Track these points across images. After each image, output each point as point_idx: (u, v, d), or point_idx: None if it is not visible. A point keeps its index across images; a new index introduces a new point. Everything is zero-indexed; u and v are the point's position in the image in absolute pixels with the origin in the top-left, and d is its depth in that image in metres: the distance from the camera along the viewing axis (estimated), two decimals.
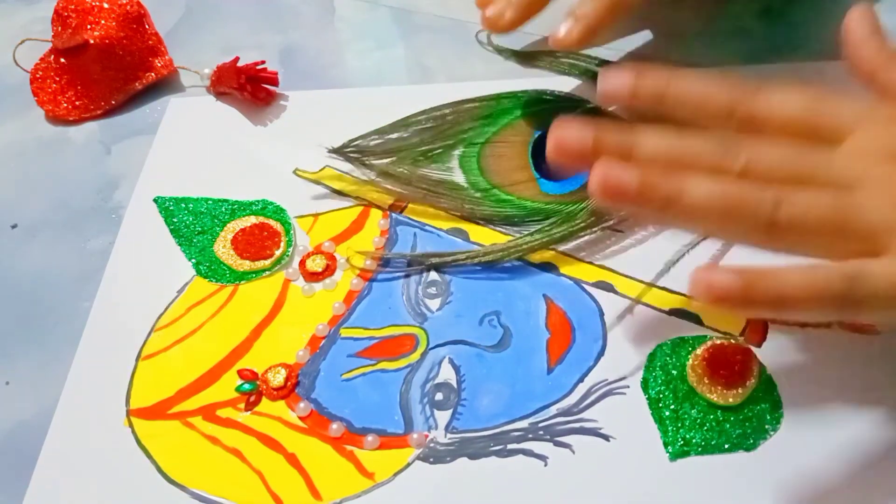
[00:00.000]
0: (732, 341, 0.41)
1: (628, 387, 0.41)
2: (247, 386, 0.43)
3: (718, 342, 0.41)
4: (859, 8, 0.42)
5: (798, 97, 0.39)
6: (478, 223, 0.48)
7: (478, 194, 0.50)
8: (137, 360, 0.44)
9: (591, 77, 0.53)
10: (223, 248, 0.48)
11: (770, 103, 0.39)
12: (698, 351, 0.41)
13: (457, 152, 0.52)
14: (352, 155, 0.52)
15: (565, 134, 0.38)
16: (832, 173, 0.36)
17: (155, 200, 0.51)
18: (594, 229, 0.47)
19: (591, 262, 0.46)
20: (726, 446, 0.39)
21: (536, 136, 0.51)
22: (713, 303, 0.34)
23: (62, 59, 0.59)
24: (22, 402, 0.44)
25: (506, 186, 0.50)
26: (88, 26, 0.58)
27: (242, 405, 0.42)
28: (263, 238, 0.48)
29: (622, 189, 0.36)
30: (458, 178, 0.51)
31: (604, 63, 0.54)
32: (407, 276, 0.46)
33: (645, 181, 0.36)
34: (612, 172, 0.36)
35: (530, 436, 0.40)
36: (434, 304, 0.45)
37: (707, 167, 0.37)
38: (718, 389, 0.40)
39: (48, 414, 0.43)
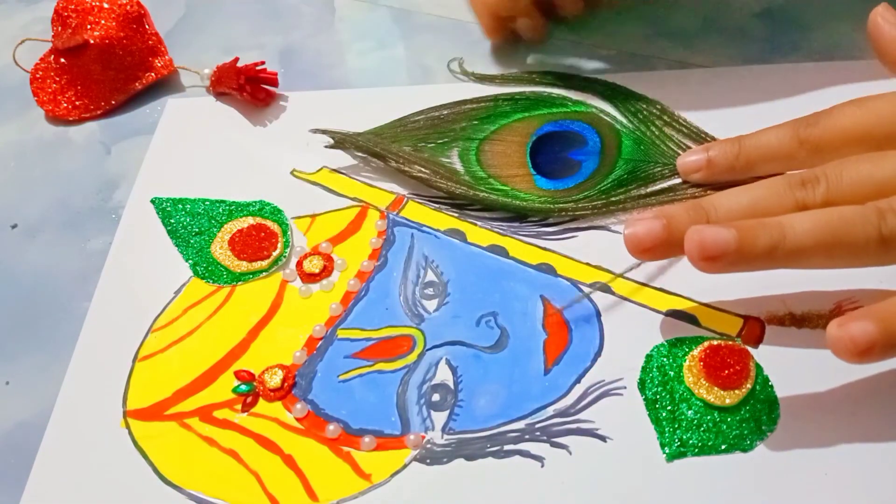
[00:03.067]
0: (729, 342, 0.41)
1: (625, 388, 0.41)
2: (243, 387, 0.43)
3: (715, 343, 0.41)
4: (883, 6, 0.43)
5: (850, 109, 0.40)
6: (474, 224, 0.48)
7: (474, 181, 0.50)
8: (134, 361, 0.44)
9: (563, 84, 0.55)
10: (220, 249, 0.48)
11: (827, 123, 0.40)
12: (695, 352, 0.41)
13: (456, 146, 0.52)
14: (349, 144, 0.52)
15: (637, 232, 0.38)
16: None
17: (152, 201, 0.51)
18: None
19: (587, 263, 0.46)
20: (723, 447, 0.39)
21: (535, 136, 0.51)
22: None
23: (62, 59, 0.59)
24: (22, 402, 0.44)
25: (502, 178, 0.50)
26: (88, 26, 0.58)
27: (239, 406, 0.42)
28: (260, 239, 0.48)
29: (723, 250, 0.35)
30: (457, 167, 0.51)
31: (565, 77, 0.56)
32: (404, 277, 0.46)
33: (744, 234, 0.35)
34: (707, 236, 0.36)
35: (527, 437, 0.40)
36: (431, 304, 0.45)
37: (791, 207, 0.37)
38: (715, 390, 0.40)
39: (48, 414, 0.43)
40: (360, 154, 0.52)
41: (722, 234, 0.35)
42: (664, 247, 0.39)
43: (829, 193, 0.37)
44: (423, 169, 0.50)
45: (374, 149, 0.51)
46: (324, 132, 0.53)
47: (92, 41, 0.57)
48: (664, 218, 0.38)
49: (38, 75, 0.59)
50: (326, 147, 0.53)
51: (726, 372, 0.40)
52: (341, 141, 0.52)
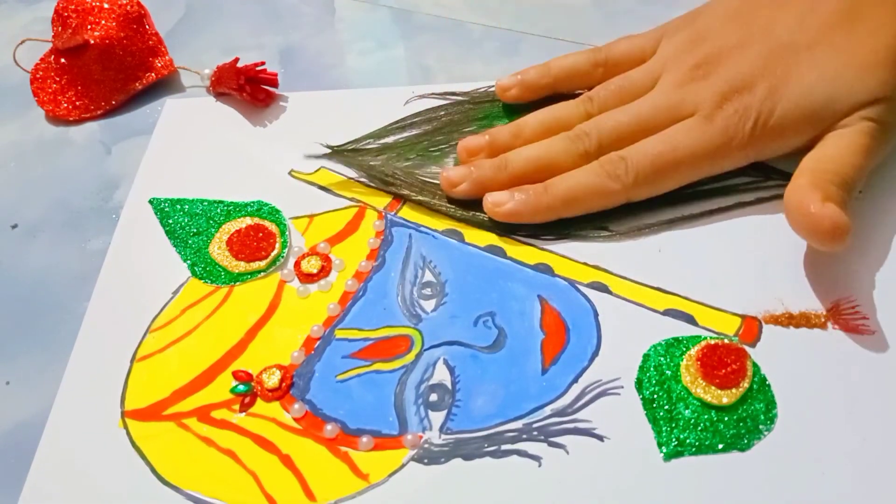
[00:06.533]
0: (726, 341, 0.41)
1: (622, 387, 0.41)
2: (241, 387, 0.43)
3: (712, 342, 0.41)
4: None
5: (625, 40, 0.53)
6: (471, 224, 0.48)
7: None
8: (132, 361, 0.44)
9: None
10: (218, 250, 0.48)
11: (609, 51, 0.52)
12: (692, 351, 0.41)
13: (454, 154, 0.52)
14: (348, 154, 0.52)
15: (450, 175, 0.49)
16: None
17: (150, 202, 0.52)
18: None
19: (585, 263, 0.46)
20: (720, 446, 0.39)
21: None
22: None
23: (62, 60, 0.59)
24: (22, 402, 0.44)
25: None
26: (88, 26, 0.58)
27: (237, 406, 0.42)
28: (258, 239, 0.48)
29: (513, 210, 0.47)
30: None
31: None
32: (402, 277, 0.46)
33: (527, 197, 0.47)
34: (494, 199, 0.47)
35: (524, 436, 0.40)
36: (429, 304, 0.45)
37: (575, 156, 0.48)
38: (712, 390, 0.40)
39: (48, 414, 0.43)
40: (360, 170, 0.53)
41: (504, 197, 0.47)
42: (471, 190, 0.48)
43: (601, 140, 0.47)
44: (422, 187, 0.50)
45: (369, 171, 0.51)
46: (319, 157, 0.53)
47: (92, 41, 0.58)
48: (473, 167, 0.49)
49: (38, 75, 0.60)
50: (325, 152, 0.53)
51: (723, 371, 0.40)
52: (341, 159, 0.53)
